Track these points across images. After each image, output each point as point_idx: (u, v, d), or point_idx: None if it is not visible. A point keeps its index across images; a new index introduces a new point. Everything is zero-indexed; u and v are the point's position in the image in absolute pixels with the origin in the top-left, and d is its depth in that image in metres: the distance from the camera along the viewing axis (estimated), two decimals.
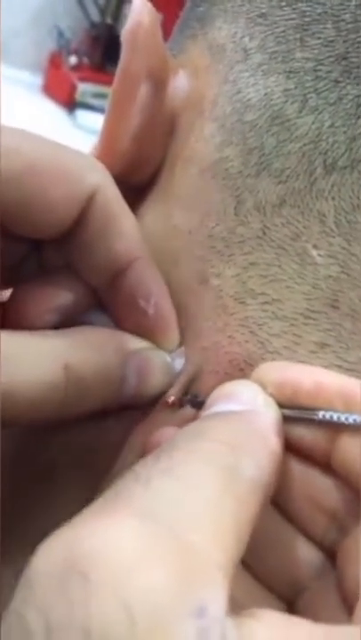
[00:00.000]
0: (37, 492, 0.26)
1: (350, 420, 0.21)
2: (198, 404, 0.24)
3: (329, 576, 0.22)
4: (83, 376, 0.23)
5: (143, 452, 0.23)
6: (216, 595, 0.16)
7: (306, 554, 0.22)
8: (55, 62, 1.54)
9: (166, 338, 0.26)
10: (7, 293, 0.26)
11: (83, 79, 1.49)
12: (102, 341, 0.25)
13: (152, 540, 0.16)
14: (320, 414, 0.21)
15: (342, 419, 0.21)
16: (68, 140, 0.30)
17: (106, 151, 0.27)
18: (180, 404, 0.25)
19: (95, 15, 1.57)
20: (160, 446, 0.19)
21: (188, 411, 0.25)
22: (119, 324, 0.26)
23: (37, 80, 1.56)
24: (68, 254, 0.26)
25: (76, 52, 1.54)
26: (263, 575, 0.23)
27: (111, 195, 0.25)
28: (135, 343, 0.25)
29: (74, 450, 0.26)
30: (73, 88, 1.49)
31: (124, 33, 0.27)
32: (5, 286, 0.26)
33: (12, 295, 0.26)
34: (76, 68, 1.53)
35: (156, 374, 0.25)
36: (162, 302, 0.25)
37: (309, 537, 0.22)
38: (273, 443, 0.21)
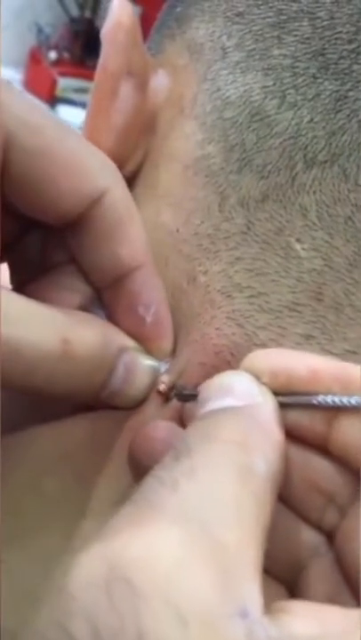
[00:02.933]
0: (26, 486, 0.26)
1: (353, 402, 0.21)
2: (185, 397, 0.24)
3: (327, 556, 0.22)
4: (77, 354, 0.23)
5: (135, 445, 0.24)
6: (255, 593, 0.16)
7: (305, 537, 0.23)
8: (35, 58, 1.54)
9: (160, 347, 0.26)
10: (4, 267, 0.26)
11: (63, 74, 1.49)
12: (103, 329, 0.25)
13: (191, 543, 0.16)
14: (319, 398, 0.21)
15: (344, 401, 0.21)
16: None
17: None
18: (167, 397, 0.25)
19: (74, 10, 1.57)
20: (174, 447, 0.20)
21: (176, 404, 0.25)
22: (115, 325, 0.26)
23: (19, 77, 1.55)
24: (72, 250, 0.26)
25: (56, 48, 1.54)
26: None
27: (120, 199, 0.24)
28: (129, 342, 0.25)
29: (63, 444, 0.26)
30: (54, 83, 1.49)
31: (104, 32, 0.27)
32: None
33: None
34: (56, 63, 1.52)
35: (142, 376, 0.25)
36: (161, 312, 0.25)
37: (307, 519, 0.23)
38: (276, 434, 0.21)
